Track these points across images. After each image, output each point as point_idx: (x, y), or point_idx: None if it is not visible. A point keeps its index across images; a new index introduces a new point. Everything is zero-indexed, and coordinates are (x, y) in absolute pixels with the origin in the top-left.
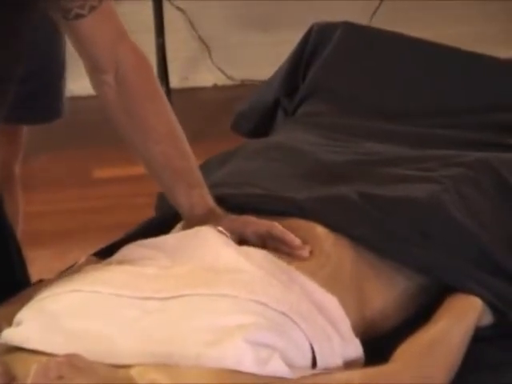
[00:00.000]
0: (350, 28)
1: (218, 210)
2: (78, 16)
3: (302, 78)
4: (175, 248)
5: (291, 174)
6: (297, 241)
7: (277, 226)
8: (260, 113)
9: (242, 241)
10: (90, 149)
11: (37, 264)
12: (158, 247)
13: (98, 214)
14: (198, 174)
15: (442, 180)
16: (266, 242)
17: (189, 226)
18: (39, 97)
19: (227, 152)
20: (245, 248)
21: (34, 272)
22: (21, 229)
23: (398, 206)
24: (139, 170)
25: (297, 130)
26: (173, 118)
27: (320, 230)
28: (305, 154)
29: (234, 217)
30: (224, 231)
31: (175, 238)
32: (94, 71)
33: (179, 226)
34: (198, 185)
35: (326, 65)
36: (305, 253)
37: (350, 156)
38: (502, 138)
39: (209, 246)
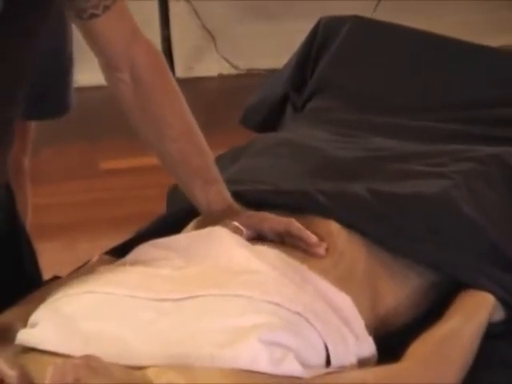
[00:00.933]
0: (358, 22)
1: (236, 206)
2: (93, 16)
3: (310, 73)
4: (188, 248)
5: (300, 171)
6: (313, 238)
7: (294, 223)
8: (269, 107)
9: (259, 237)
10: (96, 140)
11: (45, 256)
12: (171, 247)
13: (106, 205)
14: (215, 170)
15: (452, 175)
16: (284, 239)
17: (207, 221)
18: (47, 93)
19: (238, 148)
20: (258, 247)
21: (43, 264)
22: (29, 221)
23: (408, 202)
24: (146, 161)
25: (305, 125)
26: (189, 114)
27: (334, 227)
28: (314, 150)
29: (251, 213)
30: (240, 227)
31: (188, 237)
32: (109, 69)
33: (193, 223)
34: (216, 181)
35: (334, 59)
36: (321, 250)
37: (359, 152)
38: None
39: (222, 246)
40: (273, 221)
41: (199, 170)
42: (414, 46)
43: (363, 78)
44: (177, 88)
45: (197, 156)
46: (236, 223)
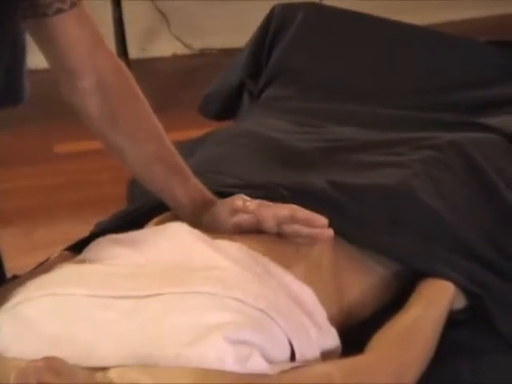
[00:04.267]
0: (312, 8)
1: (213, 197)
2: (59, 11)
3: (265, 60)
4: (148, 245)
5: (260, 163)
6: (322, 220)
7: (299, 208)
8: (226, 96)
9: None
10: (49, 123)
11: (2, 243)
12: (130, 243)
13: (62, 190)
14: (187, 167)
15: (412, 164)
16: (282, 227)
17: (191, 216)
18: (1, 82)
19: (195, 140)
20: (218, 242)
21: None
22: None
23: (367, 193)
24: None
25: (263, 114)
26: (154, 116)
27: None
28: (273, 141)
29: (227, 200)
30: (248, 198)
31: (147, 233)
32: (70, 78)
33: (161, 218)
34: (190, 177)
35: (289, 46)
36: (330, 232)
37: (319, 143)
38: (471, 117)
39: (182, 241)
40: (275, 207)
41: (176, 168)
42: (372, 32)
43: (320, 65)
44: (141, 93)
45: (171, 155)
46: (243, 195)
